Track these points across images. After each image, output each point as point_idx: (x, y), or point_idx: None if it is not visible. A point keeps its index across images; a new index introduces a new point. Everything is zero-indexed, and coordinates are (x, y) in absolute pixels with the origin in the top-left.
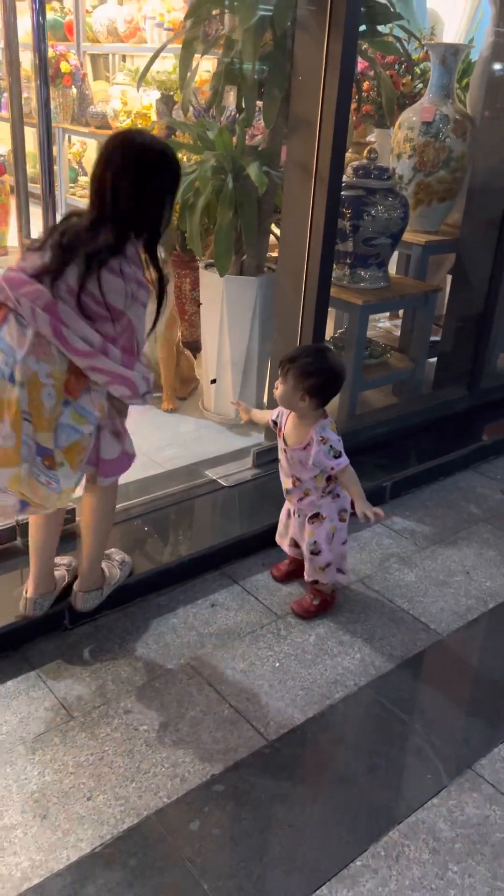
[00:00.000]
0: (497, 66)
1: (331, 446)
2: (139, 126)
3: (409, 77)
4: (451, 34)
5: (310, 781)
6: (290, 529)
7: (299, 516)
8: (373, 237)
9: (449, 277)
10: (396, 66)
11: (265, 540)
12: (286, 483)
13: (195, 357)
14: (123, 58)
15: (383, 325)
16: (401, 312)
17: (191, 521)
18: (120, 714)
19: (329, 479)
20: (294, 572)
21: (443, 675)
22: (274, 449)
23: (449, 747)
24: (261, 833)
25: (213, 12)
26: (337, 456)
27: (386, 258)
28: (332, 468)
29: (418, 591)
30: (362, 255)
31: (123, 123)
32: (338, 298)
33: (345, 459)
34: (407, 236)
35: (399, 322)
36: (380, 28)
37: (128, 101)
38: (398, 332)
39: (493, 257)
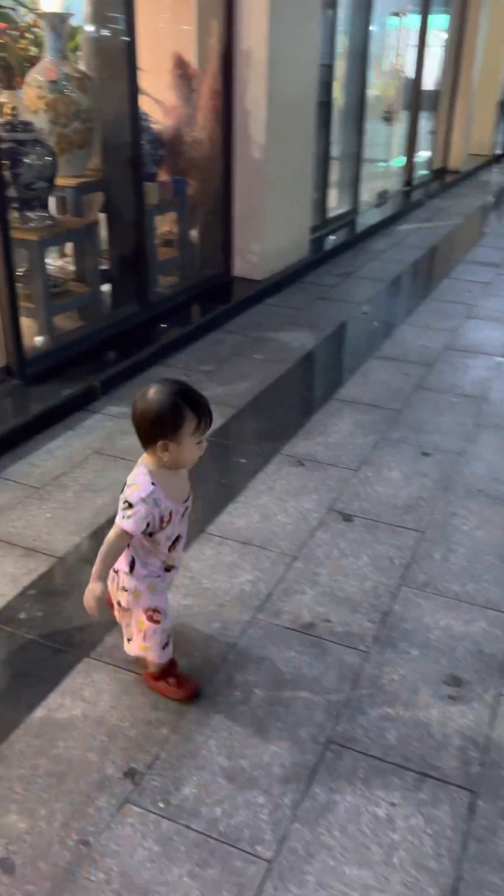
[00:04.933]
0: (97, 31)
1: None
2: None
3: (25, 41)
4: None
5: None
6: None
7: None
8: (31, 182)
9: (103, 217)
10: (10, 33)
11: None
12: (178, 555)
13: None
14: None
15: (56, 263)
16: (69, 251)
17: None
18: None
19: None
20: None
21: None
22: None
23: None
24: (66, 600)
25: None
26: None
27: (46, 200)
28: None
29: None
30: (26, 200)
31: None
32: (15, 238)
33: None
34: (60, 181)
35: (70, 259)
36: None
37: None
38: (72, 267)
39: (133, 191)
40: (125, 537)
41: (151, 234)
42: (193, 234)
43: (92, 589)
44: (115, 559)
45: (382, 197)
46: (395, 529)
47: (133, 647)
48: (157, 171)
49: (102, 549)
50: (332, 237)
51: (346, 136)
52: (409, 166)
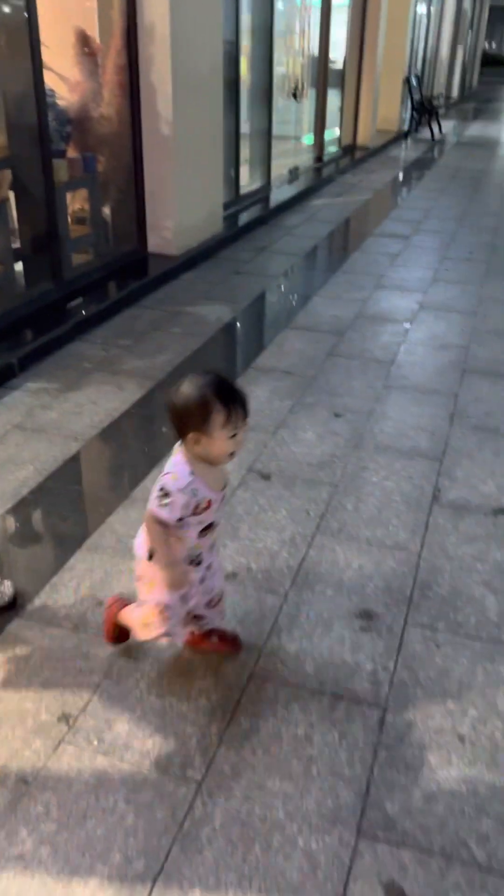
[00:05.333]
0: None
1: None
2: None
3: None
4: None
5: (30, 533)
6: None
7: (209, 570)
8: None
9: (12, 195)
10: None
11: None
12: (209, 543)
13: None
14: None
15: None
16: None
17: None
18: None
19: None
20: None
21: (94, 461)
22: None
23: (114, 480)
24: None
25: None
26: None
27: None
28: None
29: (63, 421)
30: None
31: None
32: None
33: None
34: None
35: None
36: None
37: None
38: None
39: (42, 168)
40: (161, 522)
41: (63, 212)
42: (106, 211)
43: (171, 576)
44: (167, 540)
45: (294, 173)
46: (311, 485)
47: (131, 616)
48: (65, 148)
49: (152, 540)
50: (245, 213)
51: (256, 113)
52: (319, 143)
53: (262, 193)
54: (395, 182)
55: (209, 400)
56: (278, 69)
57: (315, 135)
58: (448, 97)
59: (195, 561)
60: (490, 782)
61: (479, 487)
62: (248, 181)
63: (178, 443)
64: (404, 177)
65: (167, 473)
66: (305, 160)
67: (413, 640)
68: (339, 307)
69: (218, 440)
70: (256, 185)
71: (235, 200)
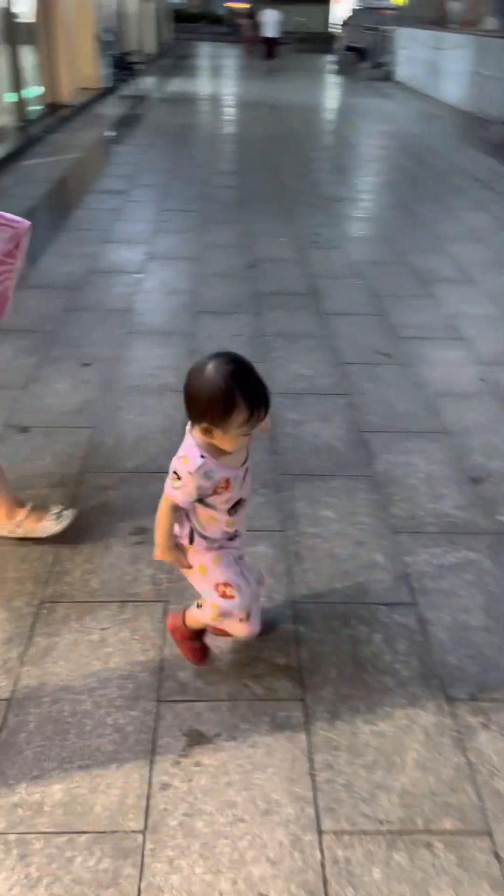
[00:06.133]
0: None
1: None
2: None
3: None
4: None
5: None
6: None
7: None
8: None
9: None
10: None
11: None
12: (242, 519)
13: None
14: None
15: None
16: None
17: None
18: None
19: None
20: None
21: None
22: None
23: None
24: None
25: None
26: None
27: None
28: None
29: None
30: None
31: None
32: None
33: None
34: None
35: None
36: None
37: None
38: None
39: None
40: (175, 507)
41: None
42: None
43: (160, 556)
44: (170, 525)
45: None
46: (70, 430)
47: (204, 615)
48: None
49: (158, 517)
50: None
51: None
52: (20, 102)
53: None
54: (105, 139)
55: (234, 396)
56: None
57: (15, 93)
58: (146, 53)
59: (233, 537)
60: (259, 645)
61: None
62: None
63: (189, 425)
64: (113, 133)
65: (179, 457)
66: (8, 120)
67: None
68: (70, 264)
69: (231, 436)
70: None
71: None
